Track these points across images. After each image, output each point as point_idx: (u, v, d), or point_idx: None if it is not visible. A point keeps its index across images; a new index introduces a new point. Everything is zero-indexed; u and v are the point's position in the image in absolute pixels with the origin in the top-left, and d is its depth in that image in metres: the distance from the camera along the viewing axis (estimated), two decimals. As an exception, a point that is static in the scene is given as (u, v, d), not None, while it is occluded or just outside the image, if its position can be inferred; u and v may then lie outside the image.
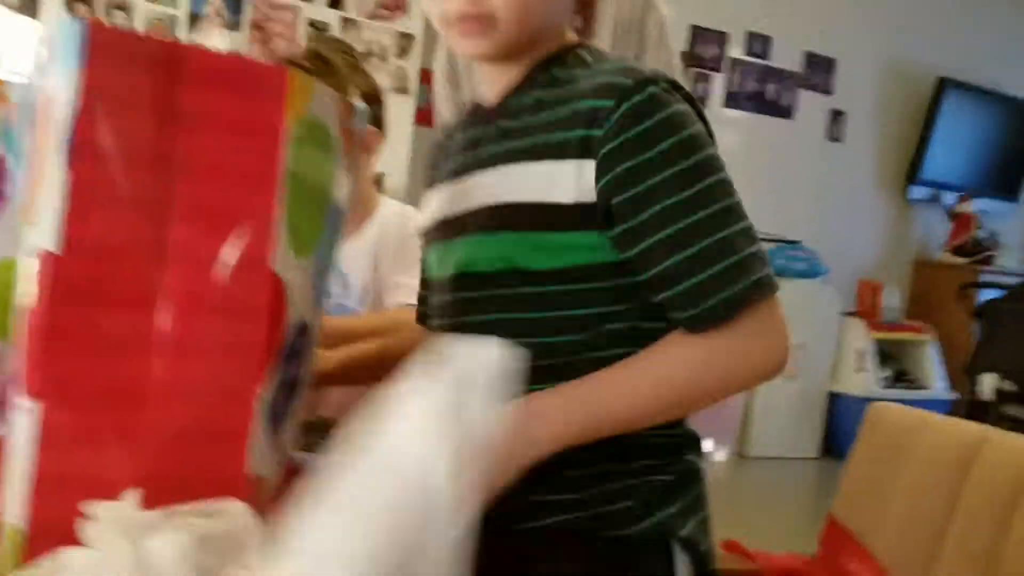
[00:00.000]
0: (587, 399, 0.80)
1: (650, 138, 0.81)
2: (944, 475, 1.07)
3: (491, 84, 0.94)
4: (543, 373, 0.79)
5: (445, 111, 2.01)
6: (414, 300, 1.60)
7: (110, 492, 0.48)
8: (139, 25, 3.38)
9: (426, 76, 3.89)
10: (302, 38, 3.60)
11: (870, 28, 4.89)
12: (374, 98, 1.72)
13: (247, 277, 0.54)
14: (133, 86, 0.51)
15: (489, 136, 0.93)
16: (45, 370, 0.50)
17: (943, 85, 5.00)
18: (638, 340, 0.83)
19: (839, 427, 4.55)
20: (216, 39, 3.49)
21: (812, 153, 4.86)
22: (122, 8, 3.35)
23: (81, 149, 0.49)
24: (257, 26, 3.56)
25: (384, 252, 1.69)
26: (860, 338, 4.59)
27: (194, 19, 3.45)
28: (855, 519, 1.16)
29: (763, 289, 0.79)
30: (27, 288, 0.53)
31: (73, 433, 0.50)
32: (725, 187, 0.81)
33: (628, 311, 0.85)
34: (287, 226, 0.57)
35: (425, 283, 1.07)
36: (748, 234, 0.80)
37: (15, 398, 0.53)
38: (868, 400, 4.55)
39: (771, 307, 0.81)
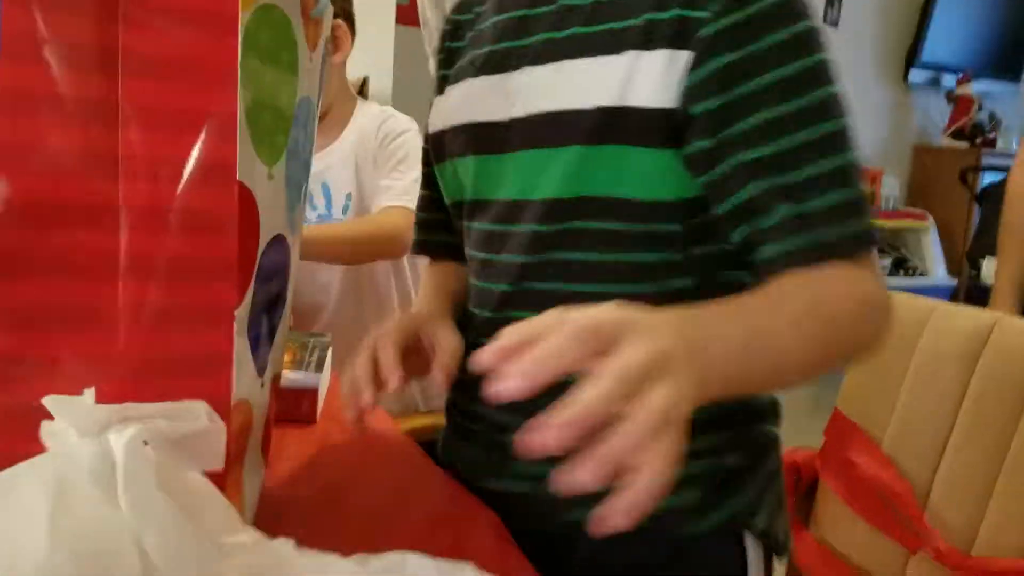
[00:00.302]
0: (752, 323, 0.58)
1: (762, 24, 0.64)
2: (951, 364, 1.05)
3: None
4: None
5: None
6: (403, 201, 1.56)
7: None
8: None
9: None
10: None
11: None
12: None
13: (211, 187, 0.50)
14: (65, -25, 0.45)
15: (544, 16, 0.74)
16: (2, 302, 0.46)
17: (942, -38, 4.84)
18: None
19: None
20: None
21: (808, 39, 4.73)
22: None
23: (10, 47, 0.44)
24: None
25: (365, 157, 1.64)
26: (859, 227, 4.56)
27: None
28: (859, 412, 1.14)
29: (870, 244, 0.65)
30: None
31: (33, 365, 0.47)
32: (840, 104, 0.66)
33: (703, 261, 0.70)
34: (249, 129, 0.53)
35: (453, 206, 0.86)
36: (857, 169, 0.66)
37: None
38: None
39: (875, 272, 0.65)
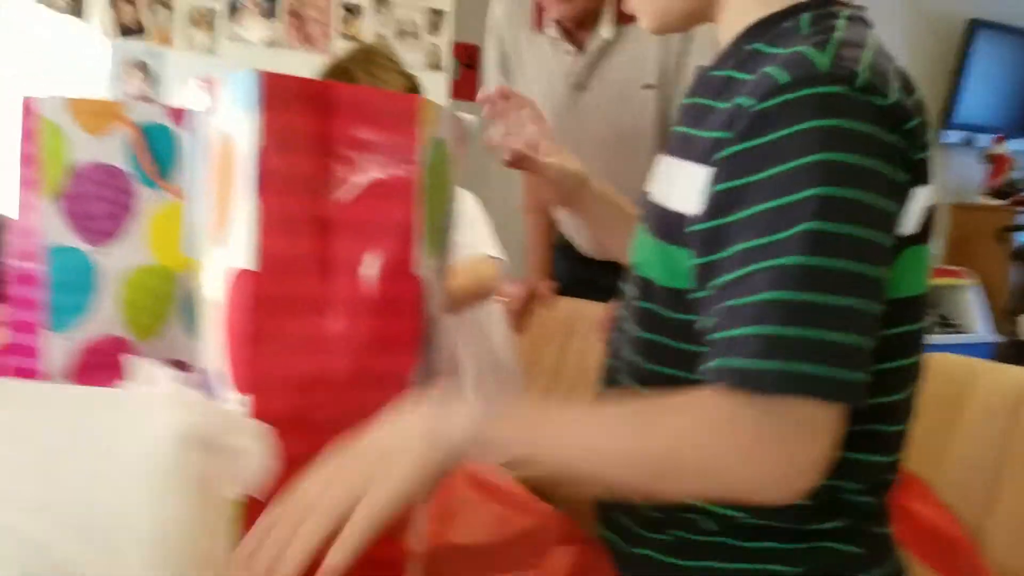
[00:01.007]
0: (548, 419, 0.64)
1: (771, 152, 0.62)
2: (996, 422, 1.14)
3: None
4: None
5: None
6: (491, 251, 1.68)
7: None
8: (180, 19, 3.47)
9: (458, 51, 3.96)
10: (336, 22, 3.68)
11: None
12: (414, 92, 1.80)
13: (397, 283, 0.63)
14: (298, 123, 0.60)
15: (682, 113, 0.81)
16: (251, 369, 0.60)
17: (974, 27, 4.97)
18: None
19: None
20: (254, 29, 3.57)
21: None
22: (164, 4, 3.44)
23: (265, 180, 0.58)
24: (293, 13, 3.64)
25: None
26: (900, 286, 4.61)
27: (233, 10, 3.54)
28: (914, 469, 1.23)
29: (818, 386, 0.59)
30: (218, 299, 0.63)
31: (280, 418, 0.60)
32: (822, 239, 0.60)
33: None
34: (423, 233, 0.66)
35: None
36: (809, 308, 0.59)
37: (222, 392, 0.62)
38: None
39: (816, 414, 0.60)
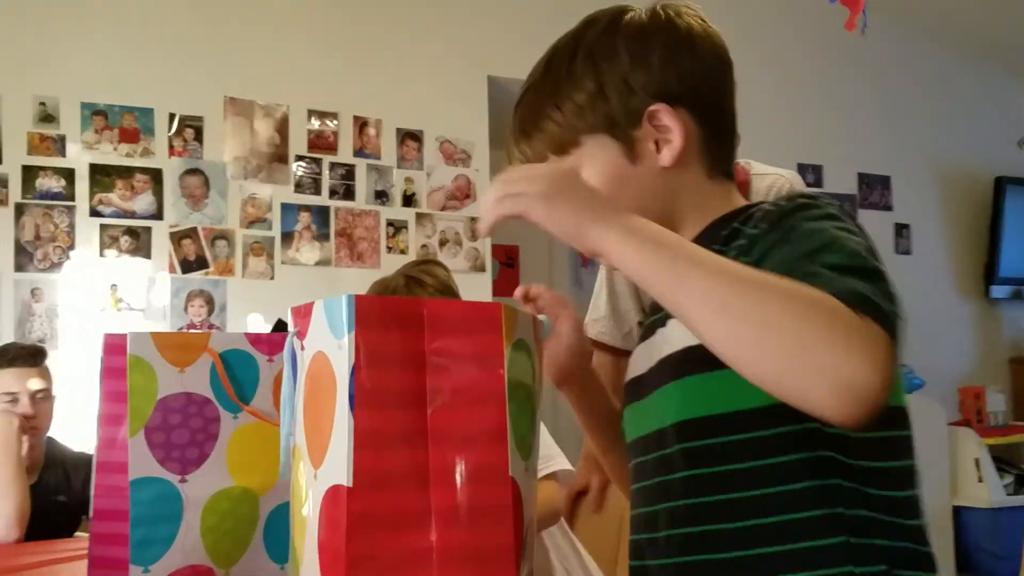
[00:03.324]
0: (673, 239, 0.73)
1: (785, 228, 0.79)
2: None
3: None
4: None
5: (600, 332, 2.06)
6: (548, 470, 1.67)
7: None
8: (239, 248, 3.66)
9: (496, 252, 4.13)
10: (383, 238, 3.86)
11: (918, 141, 5.03)
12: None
13: (492, 487, 0.64)
14: (390, 340, 0.62)
15: None
16: (350, 590, 0.59)
17: (1001, 183, 5.07)
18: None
19: (969, 542, 4.37)
20: (308, 251, 3.76)
21: (884, 269, 4.90)
22: (223, 237, 3.65)
23: (360, 397, 0.61)
24: (342, 234, 3.83)
25: None
26: (972, 446, 4.47)
27: (286, 237, 3.74)
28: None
29: (870, 306, 0.67)
30: (313, 519, 0.64)
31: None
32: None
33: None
34: (513, 435, 0.67)
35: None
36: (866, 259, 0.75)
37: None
38: (996, 511, 4.36)
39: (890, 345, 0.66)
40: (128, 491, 1.01)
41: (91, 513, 1.10)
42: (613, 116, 0.92)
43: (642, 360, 0.96)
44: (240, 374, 1.07)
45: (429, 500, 0.62)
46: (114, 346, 1.07)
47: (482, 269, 4.06)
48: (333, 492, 0.61)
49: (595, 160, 0.93)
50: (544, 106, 0.95)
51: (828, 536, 0.78)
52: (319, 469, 0.64)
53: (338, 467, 0.61)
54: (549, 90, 0.95)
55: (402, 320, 0.63)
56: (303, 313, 0.68)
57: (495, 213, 0.76)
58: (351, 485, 0.60)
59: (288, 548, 1.08)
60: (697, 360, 0.80)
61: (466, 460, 0.63)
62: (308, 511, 0.65)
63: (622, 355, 2.12)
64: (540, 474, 1.69)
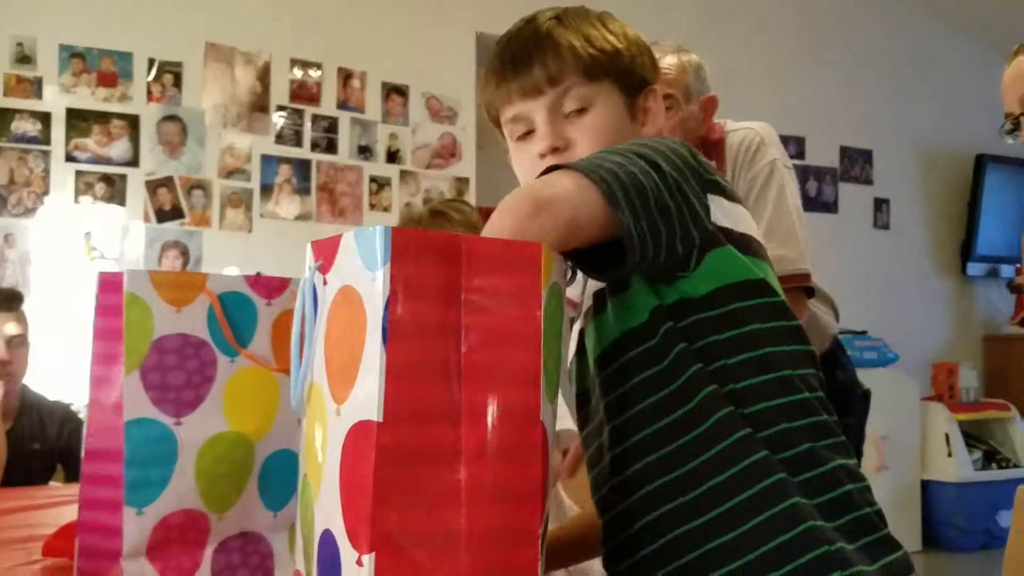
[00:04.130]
0: None
1: None
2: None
3: None
4: None
5: None
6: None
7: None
8: (217, 199, 3.59)
9: (483, 215, 4.08)
10: (364, 194, 3.81)
11: (900, 117, 5.04)
12: None
13: (523, 429, 0.61)
14: (426, 274, 0.59)
15: None
16: (377, 527, 0.57)
17: (981, 161, 5.10)
18: None
19: (936, 516, 4.44)
20: (287, 205, 3.69)
21: (862, 243, 4.94)
22: (200, 187, 3.58)
23: (394, 330, 0.58)
24: (324, 188, 3.77)
25: None
26: (943, 422, 4.54)
27: (265, 189, 3.67)
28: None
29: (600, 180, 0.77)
30: (336, 456, 0.61)
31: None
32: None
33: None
34: (544, 378, 0.65)
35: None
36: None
37: (341, 553, 0.59)
38: (962, 485, 4.44)
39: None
40: (122, 432, 0.97)
41: (83, 453, 1.06)
42: (630, 76, 0.99)
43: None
44: (238, 317, 1.03)
45: (460, 437, 0.60)
46: (109, 283, 1.03)
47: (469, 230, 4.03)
48: (360, 427, 0.59)
49: (607, 103, 0.97)
50: (588, 32, 0.97)
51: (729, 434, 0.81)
52: (343, 404, 0.61)
53: (367, 401, 0.58)
54: (596, 22, 0.99)
55: (439, 254, 0.60)
56: (327, 246, 0.65)
57: None
58: (380, 420, 0.57)
59: (282, 496, 1.07)
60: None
61: (498, 400, 0.61)
62: (329, 449, 0.62)
63: None
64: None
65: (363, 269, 0.59)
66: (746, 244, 0.89)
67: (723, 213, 0.87)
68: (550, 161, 0.92)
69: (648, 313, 0.85)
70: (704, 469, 0.80)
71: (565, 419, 1.75)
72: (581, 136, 0.95)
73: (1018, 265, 5.07)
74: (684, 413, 0.82)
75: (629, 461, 0.85)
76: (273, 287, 1.06)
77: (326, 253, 0.66)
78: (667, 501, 0.81)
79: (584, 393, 0.97)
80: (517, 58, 0.97)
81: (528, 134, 0.98)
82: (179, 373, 0.99)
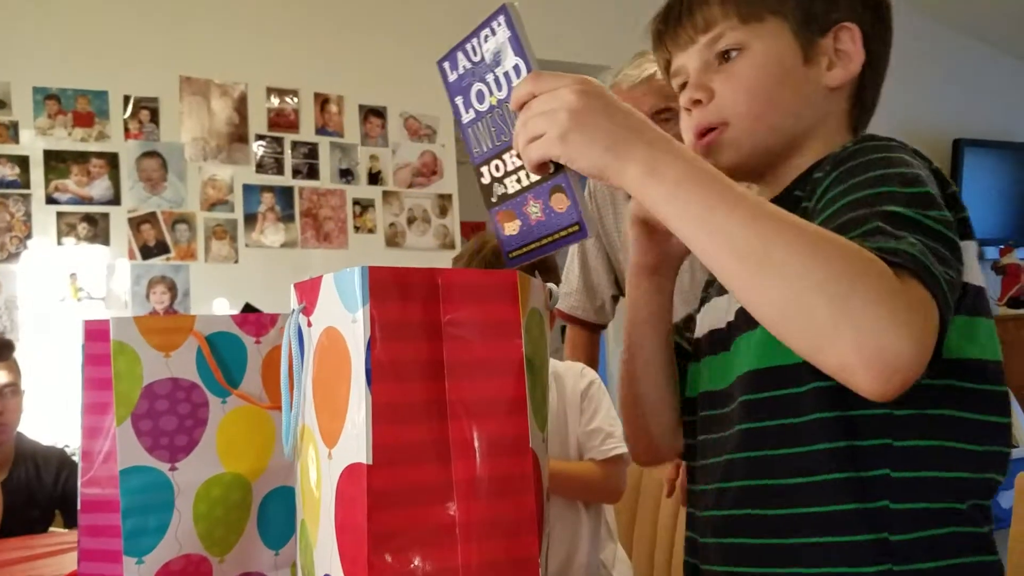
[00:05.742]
0: (711, 171, 0.67)
1: (853, 169, 0.76)
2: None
3: None
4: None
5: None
6: (621, 447, 1.63)
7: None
8: (201, 232, 3.58)
9: (464, 229, 4.09)
10: (348, 217, 3.81)
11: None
12: None
13: (513, 458, 0.62)
14: (406, 313, 0.60)
15: None
16: (373, 570, 0.57)
17: (959, 145, 5.13)
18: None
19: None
20: (272, 233, 3.69)
21: (846, 233, 4.93)
22: (184, 221, 3.57)
23: (378, 371, 0.58)
24: (308, 214, 3.77)
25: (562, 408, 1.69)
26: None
27: (249, 219, 3.66)
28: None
29: (904, 265, 0.64)
30: (329, 499, 0.61)
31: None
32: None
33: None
34: (530, 405, 0.65)
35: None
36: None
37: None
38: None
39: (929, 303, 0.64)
40: (116, 481, 0.97)
41: (79, 505, 1.06)
42: (810, 13, 0.86)
43: (717, 314, 0.91)
44: (227, 357, 1.03)
45: (450, 473, 0.60)
46: (95, 332, 1.03)
47: (452, 246, 4.02)
48: (351, 470, 0.59)
49: (769, 44, 0.85)
50: None
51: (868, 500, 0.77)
52: (334, 448, 0.61)
53: (356, 445, 0.58)
54: None
55: (417, 291, 0.60)
56: (309, 288, 0.65)
57: (528, 160, 0.70)
58: (370, 463, 0.58)
59: (282, 534, 1.07)
60: None
61: (486, 432, 0.61)
62: (323, 492, 0.63)
63: (596, 330, 2.11)
64: (610, 453, 1.63)
65: (344, 310, 0.60)
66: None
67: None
68: (696, 117, 0.86)
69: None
70: None
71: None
72: (724, 85, 0.85)
73: (1002, 247, 5.09)
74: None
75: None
76: (261, 324, 1.06)
77: (308, 295, 0.66)
78: None
79: (719, 394, 0.89)
80: (671, 7, 0.90)
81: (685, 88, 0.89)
82: (171, 418, 0.99)
